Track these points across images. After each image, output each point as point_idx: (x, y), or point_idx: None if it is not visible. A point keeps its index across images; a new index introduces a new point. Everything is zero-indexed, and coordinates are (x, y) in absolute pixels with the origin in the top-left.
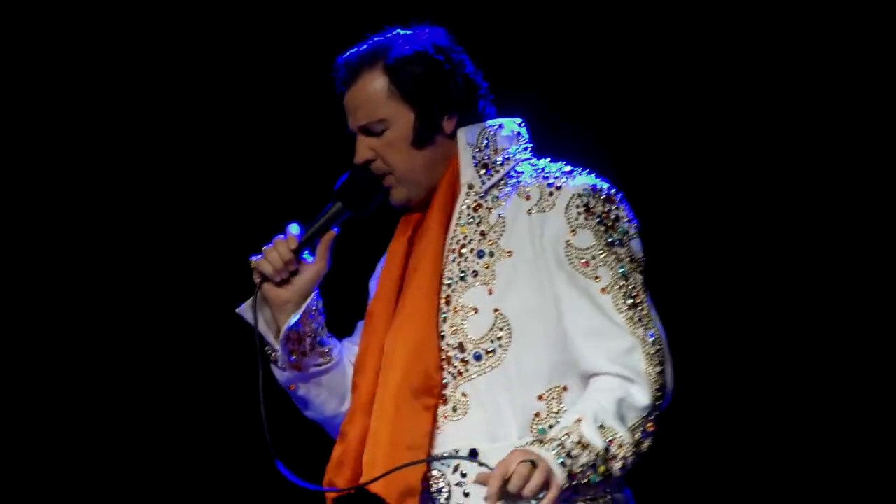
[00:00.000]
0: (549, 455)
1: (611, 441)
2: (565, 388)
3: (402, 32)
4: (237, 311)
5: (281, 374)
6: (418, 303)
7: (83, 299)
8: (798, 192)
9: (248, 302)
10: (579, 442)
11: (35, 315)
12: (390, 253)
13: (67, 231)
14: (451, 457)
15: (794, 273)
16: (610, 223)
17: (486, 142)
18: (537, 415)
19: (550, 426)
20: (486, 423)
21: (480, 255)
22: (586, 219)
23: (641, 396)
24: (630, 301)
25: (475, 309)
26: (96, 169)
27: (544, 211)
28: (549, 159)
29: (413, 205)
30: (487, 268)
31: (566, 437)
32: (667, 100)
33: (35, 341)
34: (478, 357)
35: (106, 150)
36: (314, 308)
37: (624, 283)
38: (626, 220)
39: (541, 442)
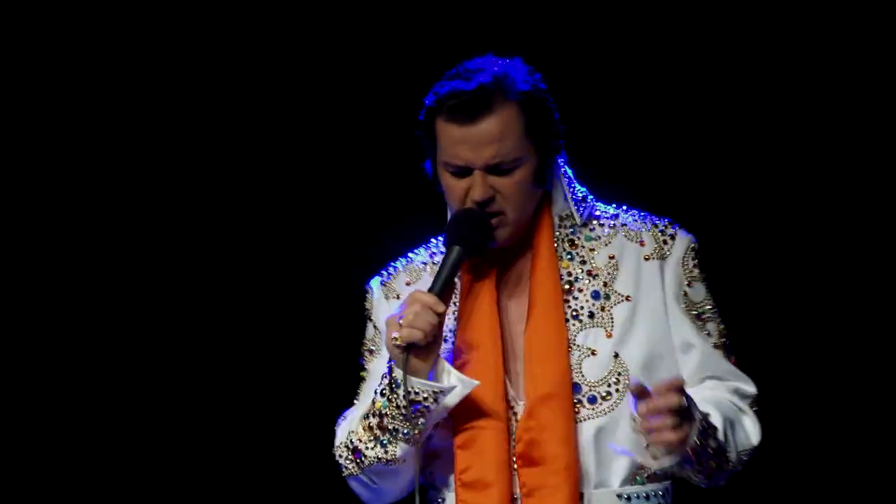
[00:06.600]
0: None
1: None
2: None
3: (499, 59)
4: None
5: (404, 451)
6: (551, 341)
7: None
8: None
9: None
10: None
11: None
12: (474, 295)
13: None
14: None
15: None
16: (705, 280)
17: (568, 178)
18: (641, 466)
19: (654, 473)
20: (592, 467)
21: (595, 296)
22: (700, 272)
23: (754, 432)
24: (732, 357)
25: (593, 351)
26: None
27: (663, 259)
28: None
29: (509, 245)
30: (603, 310)
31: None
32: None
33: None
34: (592, 400)
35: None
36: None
37: (726, 339)
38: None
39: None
